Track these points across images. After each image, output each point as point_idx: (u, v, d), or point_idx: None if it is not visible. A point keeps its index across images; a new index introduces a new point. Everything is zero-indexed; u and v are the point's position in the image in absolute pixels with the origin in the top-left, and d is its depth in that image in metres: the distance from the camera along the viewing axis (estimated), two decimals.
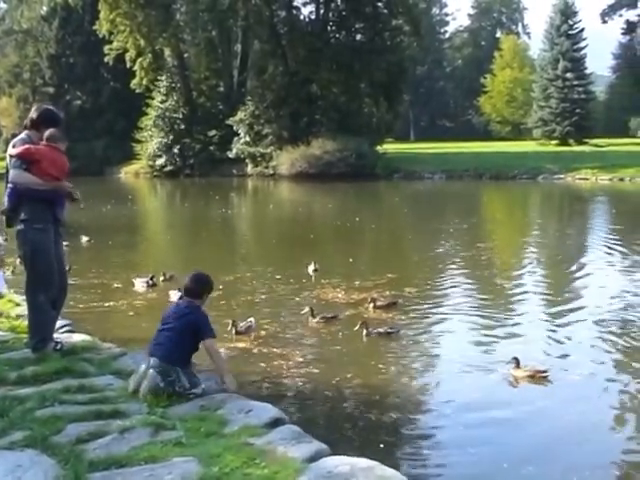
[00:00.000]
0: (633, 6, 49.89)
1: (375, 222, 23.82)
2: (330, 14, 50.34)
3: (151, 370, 5.97)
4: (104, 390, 6.03)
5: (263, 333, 9.71)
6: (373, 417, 6.98)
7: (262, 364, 8.46)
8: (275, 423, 5.30)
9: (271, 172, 45.63)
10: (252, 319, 9.73)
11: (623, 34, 59.86)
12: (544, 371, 8.09)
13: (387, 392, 7.62)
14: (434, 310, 11.26)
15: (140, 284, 12.81)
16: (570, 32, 66.33)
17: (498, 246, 19.68)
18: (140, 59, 51.16)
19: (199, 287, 6.46)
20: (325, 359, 8.72)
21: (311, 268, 13.88)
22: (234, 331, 9.36)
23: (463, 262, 15.96)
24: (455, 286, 13.14)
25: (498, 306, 11.60)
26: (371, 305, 10.95)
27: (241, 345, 9.10)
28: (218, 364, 6.29)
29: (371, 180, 39.35)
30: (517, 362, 8.04)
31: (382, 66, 45.37)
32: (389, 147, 51.12)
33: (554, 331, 9.97)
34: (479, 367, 8.46)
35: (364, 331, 9.48)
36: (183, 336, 6.12)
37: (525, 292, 12.65)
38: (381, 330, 9.55)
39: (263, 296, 12.21)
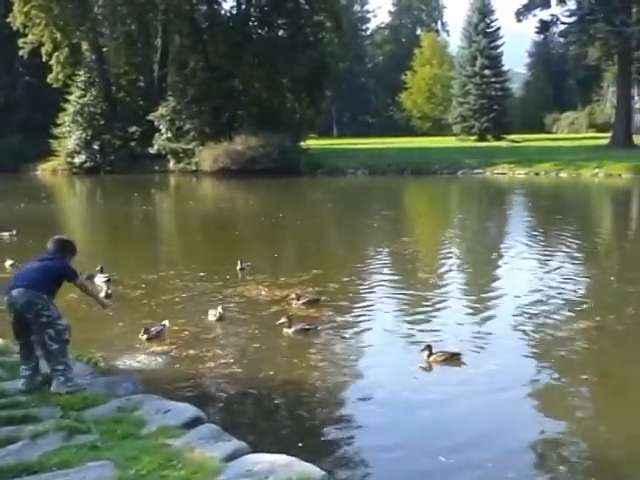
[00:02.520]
0: (547, 6, 51.12)
1: (299, 218, 23.80)
2: (252, 9, 50.03)
3: (18, 290, 6.44)
4: (15, 395, 5.82)
5: (186, 333, 9.56)
6: (293, 413, 6.96)
7: (182, 365, 8.33)
8: (193, 423, 5.22)
9: (194, 168, 45.07)
10: (165, 322, 9.52)
11: (537, 33, 61.35)
12: (457, 354, 8.29)
13: (307, 388, 7.61)
14: (358, 304, 11.31)
15: None
16: (487, 30, 67.68)
17: (421, 240, 19.93)
18: (57, 53, 49.76)
19: (60, 247, 7.15)
20: (247, 357, 8.64)
21: (238, 266, 13.71)
22: (145, 337, 9.13)
23: (387, 256, 16.09)
24: (379, 280, 13.22)
25: (420, 299, 11.73)
26: (295, 301, 10.92)
27: (159, 348, 8.93)
28: (91, 292, 7.56)
29: (294, 176, 39.31)
30: (430, 349, 8.22)
31: (304, 62, 45.35)
32: (312, 143, 51.19)
33: (475, 322, 10.18)
34: (399, 359, 8.55)
35: (287, 328, 9.44)
36: (47, 276, 6.71)
37: (447, 284, 12.84)
38: (300, 327, 9.52)
39: (185, 295, 12.02)
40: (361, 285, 12.98)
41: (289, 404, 7.14)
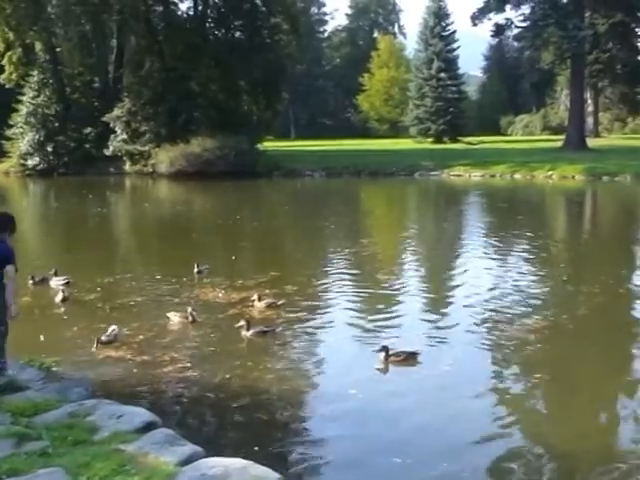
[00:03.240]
0: (501, 10, 51.68)
1: (257, 220, 23.72)
2: (208, 10, 49.72)
3: None
4: None
5: (141, 337, 9.44)
6: (250, 417, 6.91)
7: (137, 369, 8.22)
8: (148, 427, 5.15)
9: (150, 170, 44.61)
10: (115, 327, 9.35)
11: (492, 36, 62.06)
12: (415, 353, 8.34)
13: (264, 391, 7.57)
14: (316, 306, 11.30)
15: None
16: (443, 34, 68.26)
17: (379, 241, 19.98)
18: (9, 53, 48.96)
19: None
20: (203, 361, 8.57)
21: (195, 270, 13.55)
22: (97, 344, 8.96)
23: (345, 258, 16.09)
24: (338, 282, 13.22)
25: (379, 300, 11.76)
26: (256, 303, 10.86)
27: (114, 353, 8.79)
28: (10, 289, 6.86)
29: (252, 178, 39.15)
30: (386, 349, 8.24)
31: (261, 64, 45.20)
32: (269, 145, 51.08)
33: (433, 321, 10.26)
34: (358, 361, 8.55)
35: (245, 331, 9.38)
36: None
37: (405, 285, 12.89)
38: (258, 329, 9.47)
39: (141, 298, 11.87)
40: (319, 287, 12.97)
41: (245, 408, 7.09)
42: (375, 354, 8.44)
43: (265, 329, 9.55)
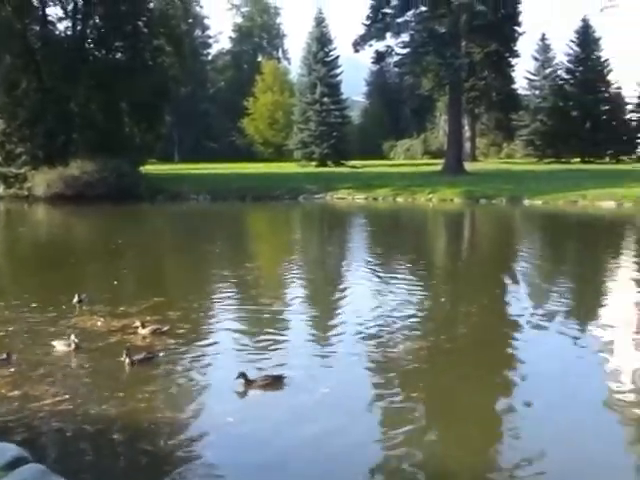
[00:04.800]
0: (382, 37, 53.00)
1: (140, 244, 23.22)
2: (88, 31, 48.66)
3: None
4: None
5: (12, 370, 9.01)
6: (128, 448, 6.75)
7: (8, 403, 7.83)
8: (17, 463, 4.90)
9: (26, 194, 43.03)
10: None
11: (373, 63, 63.63)
12: (280, 377, 8.37)
13: (143, 421, 7.39)
14: (200, 331, 11.14)
15: None
16: (326, 59, 69.36)
17: (264, 265, 19.96)
18: None
19: None
20: (81, 392, 8.27)
21: (75, 299, 12.96)
22: None
23: (230, 282, 15.96)
24: (222, 307, 13.10)
25: (263, 323, 11.70)
26: (139, 330, 10.59)
27: None
28: None
29: (134, 202, 38.40)
30: (244, 376, 8.23)
31: (143, 86, 44.47)
32: (153, 168, 50.38)
33: (315, 344, 10.31)
34: (236, 387, 8.45)
35: (125, 359, 9.12)
36: None
37: (289, 309, 12.90)
38: (138, 357, 9.24)
39: (13, 327, 11.33)
40: (203, 312, 12.80)
41: (124, 439, 6.90)
42: (234, 380, 8.39)
43: (146, 356, 9.32)
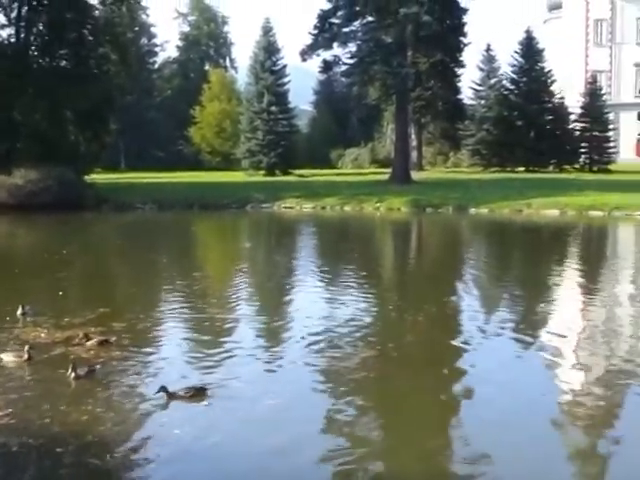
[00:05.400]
0: (329, 47, 53.19)
1: (85, 254, 22.88)
2: (32, 38, 47.89)
3: None
4: None
5: None
6: (72, 463, 6.66)
7: None
8: None
9: None
10: None
11: (320, 72, 63.81)
12: (202, 388, 8.35)
13: (87, 435, 7.29)
14: (146, 343, 11.03)
15: None
16: (273, 68, 69.33)
17: (211, 275, 19.87)
18: None
19: None
20: (24, 405, 8.11)
21: (19, 311, 12.57)
22: None
23: (177, 292, 15.83)
24: (169, 317, 12.99)
25: (210, 334, 11.65)
26: (85, 342, 10.43)
27: None
28: None
29: (79, 211, 37.78)
30: (164, 389, 8.19)
31: (88, 94, 43.86)
32: (98, 177, 49.69)
33: (262, 354, 10.28)
34: (182, 402, 8.37)
35: (69, 372, 8.97)
36: None
37: (237, 319, 12.87)
38: (85, 370, 9.10)
39: None
40: (149, 323, 12.66)
41: (68, 454, 6.79)
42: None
43: (91, 369, 9.19)
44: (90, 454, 6.81)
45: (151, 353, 10.42)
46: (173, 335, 11.54)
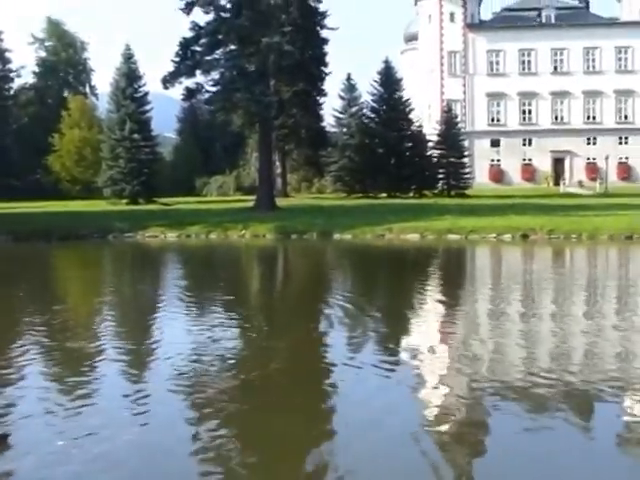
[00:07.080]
0: (192, 75, 53.07)
1: None
2: None
3: None
4: None
5: None
6: None
7: None
8: None
9: None
10: None
11: (183, 100, 63.51)
12: (3, 435, 8.00)
13: None
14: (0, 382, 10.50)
15: None
16: (135, 95, 68.43)
17: (73, 308, 19.19)
18: None
19: None
20: None
21: None
22: None
23: (36, 327, 15.14)
24: (26, 354, 12.38)
25: (71, 369, 11.25)
26: None
27: None
28: None
29: None
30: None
31: None
32: None
33: (127, 388, 10.01)
34: (40, 441, 8.04)
35: None
36: None
37: (100, 352, 12.43)
38: None
39: None
40: (4, 361, 12.05)
41: None
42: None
43: None
44: None
45: (6, 392, 9.92)
46: (30, 371, 11.00)
